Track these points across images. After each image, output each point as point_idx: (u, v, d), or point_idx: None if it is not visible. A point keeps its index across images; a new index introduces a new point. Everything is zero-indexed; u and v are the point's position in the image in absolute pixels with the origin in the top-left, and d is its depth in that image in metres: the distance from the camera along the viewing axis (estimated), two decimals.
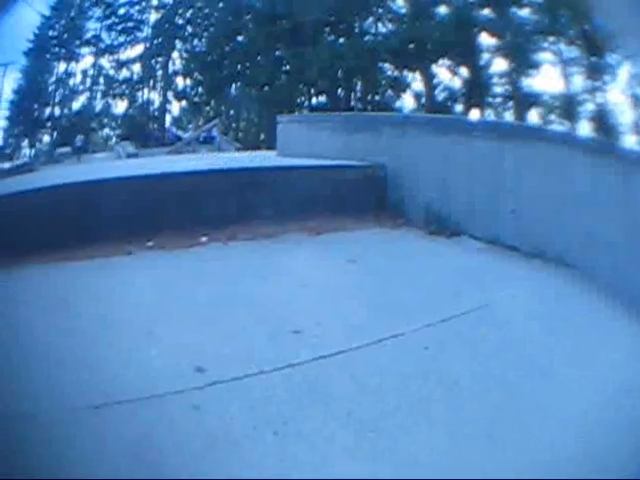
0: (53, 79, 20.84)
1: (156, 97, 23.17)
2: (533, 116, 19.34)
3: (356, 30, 22.04)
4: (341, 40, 21.97)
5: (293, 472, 3.57)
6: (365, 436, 3.92)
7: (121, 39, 21.67)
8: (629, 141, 16.92)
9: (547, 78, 19.40)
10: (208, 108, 23.90)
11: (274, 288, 6.45)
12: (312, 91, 22.84)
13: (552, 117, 18.96)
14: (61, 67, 20.97)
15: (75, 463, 3.52)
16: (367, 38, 21.91)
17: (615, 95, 17.57)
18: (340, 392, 4.40)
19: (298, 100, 22.49)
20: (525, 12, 19.58)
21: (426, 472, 3.63)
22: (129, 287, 6.34)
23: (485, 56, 20.57)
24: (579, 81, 18.61)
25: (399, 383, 4.59)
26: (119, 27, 21.88)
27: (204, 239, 7.94)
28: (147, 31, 22.18)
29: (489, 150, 8.59)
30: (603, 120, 17.43)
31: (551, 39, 18.86)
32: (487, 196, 8.60)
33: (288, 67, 22.48)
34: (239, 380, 4.46)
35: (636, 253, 6.32)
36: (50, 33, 20.61)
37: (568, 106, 18.68)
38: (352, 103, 21.94)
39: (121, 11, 22.06)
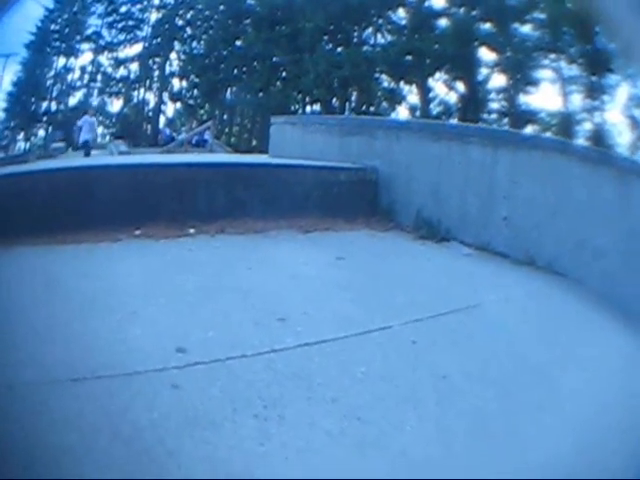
0: (52, 73, 20.82)
1: (152, 97, 23.15)
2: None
3: (354, 40, 22.09)
4: (339, 49, 22.01)
5: (275, 455, 3.50)
6: (350, 423, 3.86)
7: (121, 37, 21.66)
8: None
9: (545, 96, 19.47)
10: (202, 111, 23.89)
11: (261, 279, 6.39)
12: (307, 99, 22.85)
13: (548, 135, 19.00)
14: (60, 62, 20.95)
15: (48, 433, 3.44)
16: (365, 48, 21.96)
17: (614, 115, 17.65)
18: (325, 379, 4.33)
19: (292, 107, 22.49)
20: (527, 28, 19.66)
21: (413, 463, 3.57)
22: (116, 271, 6.28)
23: (483, 71, 20.63)
24: (577, 100, 18.67)
25: (386, 373, 4.55)
26: (120, 25, 21.88)
27: (192, 231, 7.87)
28: (147, 30, 22.18)
29: (483, 157, 8.58)
30: (600, 140, 17.48)
31: (552, 56, 18.91)
32: (479, 202, 8.59)
33: (284, 74, 22.52)
34: (221, 362, 4.40)
35: (628, 261, 6.32)
36: (52, 27, 20.59)
37: (565, 124, 18.73)
38: (346, 113, 21.95)
39: (123, 9, 22.06)
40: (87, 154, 15.57)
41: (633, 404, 4.26)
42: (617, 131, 17.28)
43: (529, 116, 19.60)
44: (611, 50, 16.54)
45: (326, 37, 22.14)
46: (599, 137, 17.60)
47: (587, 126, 18.30)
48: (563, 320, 5.99)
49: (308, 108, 22.74)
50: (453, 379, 4.58)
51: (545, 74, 19.24)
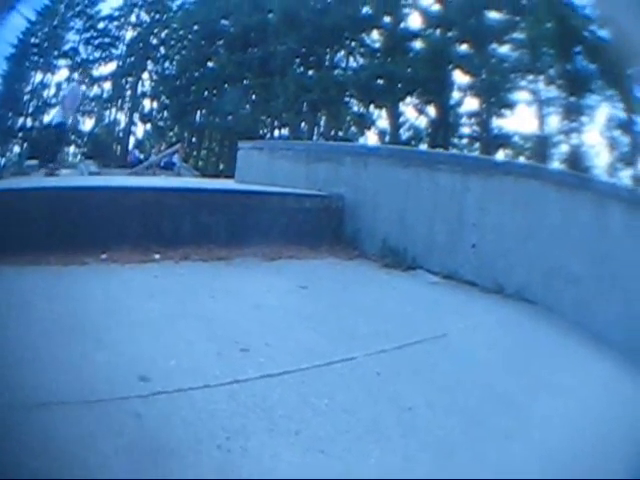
0: (29, 88, 20.76)
1: (122, 117, 23.17)
2: (500, 157, 19.44)
3: (326, 63, 22.18)
4: (310, 72, 22.09)
5: None
6: (314, 456, 3.86)
7: (96, 54, 21.70)
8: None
9: (520, 119, 19.59)
10: (172, 133, 23.91)
11: (224, 307, 6.38)
12: (275, 123, 22.92)
13: (521, 159, 19.12)
14: (37, 77, 20.91)
15: (12, 457, 3.45)
16: (336, 72, 22.06)
17: (591, 137, 17.80)
18: (287, 411, 4.34)
19: (261, 132, 22.53)
20: (505, 49, 19.78)
21: None
22: (82, 296, 6.23)
23: (456, 95, 20.76)
24: (555, 122, 18.79)
25: (349, 406, 4.55)
26: (96, 41, 21.88)
27: (157, 256, 7.87)
28: (122, 48, 22.23)
29: (453, 184, 8.66)
30: (577, 162, 17.62)
31: (529, 77, 19.04)
32: (448, 230, 8.66)
33: (254, 97, 22.56)
34: (183, 392, 4.39)
35: (602, 286, 6.41)
36: (32, 40, 20.55)
37: (540, 147, 18.85)
38: (315, 138, 22.01)
39: (100, 25, 22.09)
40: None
41: (604, 431, 4.34)
42: (595, 153, 17.49)
43: (502, 140, 19.77)
44: (591, 70, 16.79)
45: (298, 60, 22.28)
46: (576, 159, 17.77)
47: (564, 148, 18.47)
48: (532, 348, 6.08)
49: (276, 132, 22.83)
50: (418, 410, 4.59)
51: (521, 96, 19.47)
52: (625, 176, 17.63)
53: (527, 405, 4.83)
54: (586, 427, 4.47)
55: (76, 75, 21.15)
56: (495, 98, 19.90)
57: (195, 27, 23.24)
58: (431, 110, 21.33)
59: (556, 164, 18.65)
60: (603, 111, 17.71)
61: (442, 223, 8.78)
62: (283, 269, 8.19)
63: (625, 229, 6.55)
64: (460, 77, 20.78)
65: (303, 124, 22.44)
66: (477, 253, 8.28)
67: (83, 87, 17.46)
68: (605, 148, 17.74)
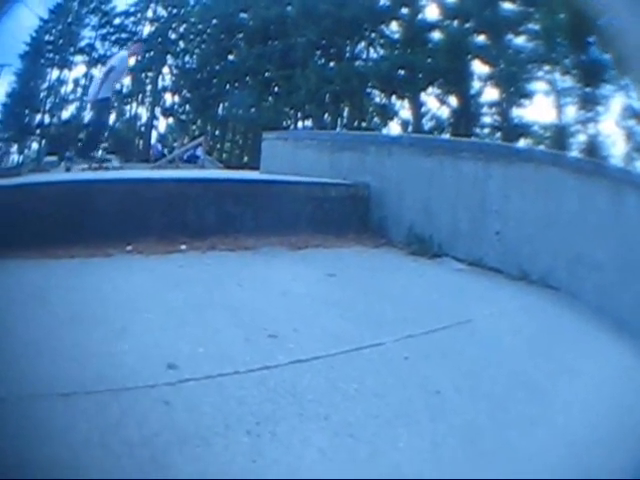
0: (45, 85, 20.86)
1: (144, 112, 23.19)
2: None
3: (347, 54, 22.14)
4: (331, 64, 22.06)
5: (267, 471, 3.48)
6: (343, 440, 3.82)
7: (114, 50, 21.70)
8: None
9: (538, 108, 19.47)
10: (194, 127, 23.92)
11: (251, 296, 6.37)
12: (299, 115, 22.89)
13: (541, 148, 18.99)
14: (54, 74, 20.99)
15: (37, 447, 3.43)
16: (357, 63, 22.01)
17: (608, 126, 17.67)
18: (316, 396, 4.30)
19: (284, 123, 22.50)
20: (521, 40, 19.66)
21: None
22: (106, 287, 6.24)
23: (476, 85, 20.66)
24: (571, 111, 18.66)
25: (378, 390, 4.51)
26: (113, 37, 21.93)
27: (183, 247, 7.85)
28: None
29: (475, 171, 8.60)
30: (594, 151, 17.51)
31: (546, 68, 18.92)
32: (472, 218, 8.61)
33: (276, 89, 22.55)
34: (212, 379, 4.37)
35: (623, 274, 6.33)
36: (46, 38, 20.62)
37: (558, 137, 18.74)
38: (338, 129, 21.96)
39: (116, 21, 22.15)
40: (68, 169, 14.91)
41: (629, 418, 4.27)
42: (611, 142, 17.35)
43: (522, 129, 19.64)
44: (605, 60, 16.63)
45: (318, 52, 22.23)
46: (593, 148, 17.64)
47: (581, 138, 18.35)
48: (557, 334, 6.02)
49: (300, 124, 22.82)
50: (446, 395, 4.54)
51: (539, 86, 19.31)
52: None
53: (551, 391, 4.79)
54: (608, 413, 4.41)
55: (94, 71, 21.20)
56: (514, 88, 19.78)
57: (214, 21, 23.22)
58: (452, 100, 21.27)
59: (574, 153, 18.58)
60: (618, 101, 17.59)
61: (466, 210, 8.75)
62: (310, 257, 8.18)
63: None
64: (479, 67, 20.72)
65: (326, 115, 22.42)
66: (501, 240, 8.22)
67: (132, 58, 16.21)
68: (621, 137, 17.62)
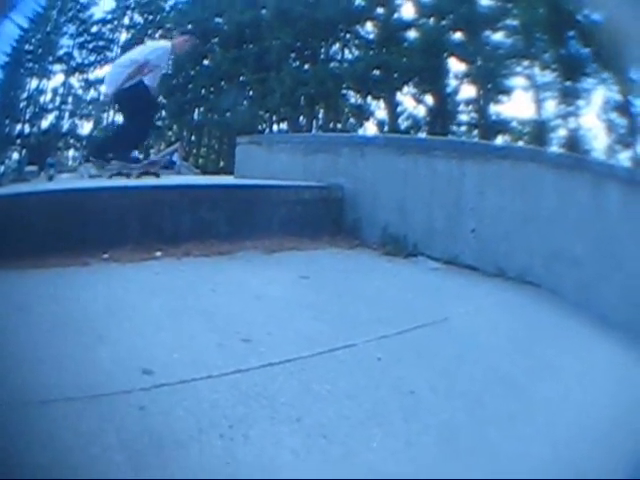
0: (25, 95, 20.81)
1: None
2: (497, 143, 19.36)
3: (321, 56, 22.19)
4: (306, 66, 22.11)
5: (241, 473, 3.54)
6: (316, 441, 3.88)
7: (91, 58, 21.72)
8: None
9: (517, 104, 19.59)
10: (170, 133, 23.91)
11: (226, 300, 6.40)
12: (274, 118, 22.94)
13: (519, 144, 19.07)
14: (33, 83, 20.96)
15: (20, 453, 3.48)
16: (332, 64, 22.08)
17: (589, 120, 17.78)
18: (289, 398, 4.36)
19: (260, 127, 22.54)
20: (499, 36, 19.75)
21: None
22: (83, 295, 6.24)
23: (452, 82, 20.75)
24: (551, 106, 18.76)
25: (351, 391, 4.57)
26: (90, 45, 21.92)
27: (158, 254, 7.88)
28: (116, 51, 22.24)
29: (450, 169, 8.67)
30: (575, 146, 17.61)
31: (525, 63, 19.01)
32: (447, 216, 8.67)
33: (251, 93, 22.58)
34: (186, 383, 4.41)
35: (603, 269, 6.42)
36: (26, 47, 20.58)
37: (538, 132, 18.83)
38: (313, 131, 22.01)
39: (93, 29, 22.13)
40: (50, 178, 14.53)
41: (612, 413, 4.35)
42: (592, 136, 17.48)
43: (500, 126, 19.76)
44: (585, 54, 16.76)
45: (293, 54, 22.29)
46: (574, 143, 17.77)
47: (561, 132, 18.48)
48: (535, 330, 6.08)
49: (275, 127, 22.86)
50: (421, 394, 4.60)
51: (518, 82, 19.47)
52: (623, 158, 17.66)
53: (530, 387, 4.85)
54: (589, 409, 4.50)
55: (72, 79, 21.17)
56: (492, 85, 19.91)
57: (189, 26, 23.22)
58: (429, 99, 21.37)
59: (555, 148, 18.64)
60: (599, 94, 17.70)
61: (441, 209, 8.79)
62: (284, 261, 8.20)
63: (624, 210, 6.56)
64: (456, 65, 20.82)
65: (301, 118, 22.46)
66: (477, 238, 8.28)
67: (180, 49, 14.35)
68: (602, 131, 17.74)
